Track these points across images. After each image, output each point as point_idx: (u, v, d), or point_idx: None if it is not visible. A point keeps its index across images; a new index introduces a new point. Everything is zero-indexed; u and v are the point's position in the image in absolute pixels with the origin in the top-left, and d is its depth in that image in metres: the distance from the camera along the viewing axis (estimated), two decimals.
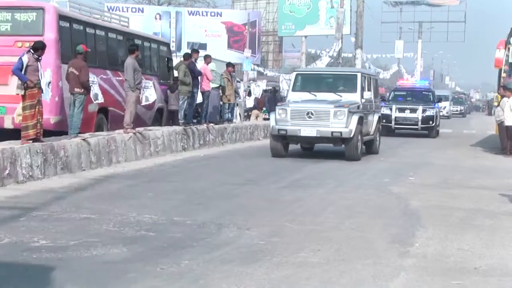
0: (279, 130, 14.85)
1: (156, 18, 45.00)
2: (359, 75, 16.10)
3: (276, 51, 52.71)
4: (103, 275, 5.44)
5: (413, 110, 25.42)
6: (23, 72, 10.88)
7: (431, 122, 25.12)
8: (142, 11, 45.30)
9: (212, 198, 9.31)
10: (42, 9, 13.29)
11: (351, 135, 14.56)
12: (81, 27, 14.48)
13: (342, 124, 14.49)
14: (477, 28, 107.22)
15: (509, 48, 18.53)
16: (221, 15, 46.64)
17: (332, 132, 14.57)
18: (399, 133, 25.64)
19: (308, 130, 14.69)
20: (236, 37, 45.92)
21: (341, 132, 14.49)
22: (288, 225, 7.61)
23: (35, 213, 7.84)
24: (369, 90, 16.49)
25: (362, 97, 15.66)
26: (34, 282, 5.25)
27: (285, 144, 15.41)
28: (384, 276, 5.65)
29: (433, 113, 25.35)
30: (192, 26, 44.71)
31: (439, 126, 26.72)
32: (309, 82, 16.59)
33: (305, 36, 46.49)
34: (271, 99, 24.80)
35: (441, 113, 44.64)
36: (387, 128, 24.47)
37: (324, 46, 50.79)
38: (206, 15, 46.37)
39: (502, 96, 17.80)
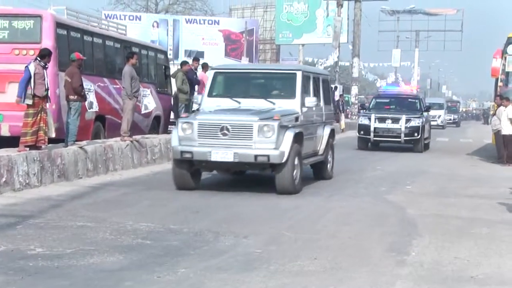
0: (182, 152, 10.57)
1: (153, 26, 45.03)
2: (299, 74, 11.63)
3: (274, 59, 52.76)
4: (100, 283, 5.43)
5: (395, 120, 21.29)
6: (32, 81, 10.89)
7: (416, 134, 21.06)
8: (140, 19, 45.33)
9: (209, 206, 9.31)
10: (40, 16, 13.30)
11: (283, 160, 10.29)
12: (79, 35, 14.49)
13: (270, 143, 10.28)
14: (474, 37, 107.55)
15: (505, 58, 18.55)
16: (218, 23, 46.69)
17: (256, 156, 10.27)
18: (383, 147, 22.12)
19: (222, 153, 10.37)
20: (233, 45, 45.97)
21: (268, 156, 10.25)
22: (285, 233, 7.60)
23: (31, 221, 7.83)
24: (315, 94, 12.23)
25: (303, 104, 11.42)
26: None
27: (194, 172, 10.96)
28: (381, 284, 5.65)
29: (418, 123, 21.18)
30: (189, 34, 44.75)
31: (429, 139, 23.25)
32: (232, 84, 12.30)
33: (303, 45, 46.60)
34: None
35: (434, 123, 40.05)
36: (366, 141, 21.68)
37: (321, 55, 50.93)
38: (204, 23, 46.42)
39: (499, 105, 17.83)
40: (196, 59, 18.26)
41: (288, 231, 7.72)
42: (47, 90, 11.10)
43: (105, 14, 41.12)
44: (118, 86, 15.12)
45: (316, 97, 12.04)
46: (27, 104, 11.02)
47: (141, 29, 41.42)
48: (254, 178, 12.65)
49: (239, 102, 11.43)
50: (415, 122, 21.18)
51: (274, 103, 11.37)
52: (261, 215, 8.80)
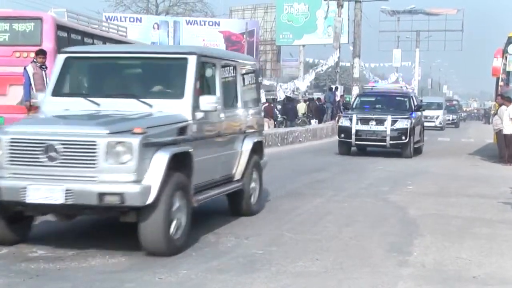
0: None
1: (154, 28, 45.10)
2: (191, 59, 7.36)
3: (274, 60, 52.82)
4: (102, 285, 5.43)
5: (380, 121, 18.86)
6: (31, 81, 10.94)
7: (403, 137, 18.64)
8: (140, 21, 45.39)
9: (210, 208, 9.31)
10: (40, 19, 13.33)
11: (148, 200, 6.19)
12: (79, 37, 14.52)
13: (126, 173, 6.16)
14: (475, 37, 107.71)
15: (506, 57, 18.55)
16: (219, 25, 46.76)
17: (100, 195, 6.08)
18: (370, 151, 19.99)
19: (45, 190, 6.15)
20: (234, 47, 45.99)
21: (122, 194, 6.07)
22: (287, 234, 7.60)
23: (33, 223, 7.82)
24: (227, 91, 8.26)
25: (196, 107, 7.20)
26: None
27: (14, 218, 6.75)
28: (383, 285, 5.65)
29: (407, 124, 18.71)
30: (190, 35, 44.80)
31: (421, 142, 21.07)
32: (91, 76, 8.22)
33: (303, 45, 46.65)
34: (287, 107, 26.75)
35: (432, 124, 39.46)
36: (347, 145, 19.34)
37: (322, 55, 50.92)
38: (204, 24, 46.50)
39: (500, 105, 17.83)
40: None
41: (289, 232, 7.72)
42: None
43: (105, 16, 41.20)
44: None
45: (223, 96, 7.95)
46: (26, 105, 11.04)
47: (141, 31, 41.51)
48: None
49: (97, 104, 7.29)
50: (403, 124, 18.78)
51: (151, 106, 7.17)
52: (262, 216, 8.79)
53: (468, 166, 17.12)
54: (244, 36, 45.62)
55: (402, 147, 18.98)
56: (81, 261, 6.12)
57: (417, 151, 19.98)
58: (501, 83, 18.92)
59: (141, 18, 46.46)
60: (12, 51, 13.12)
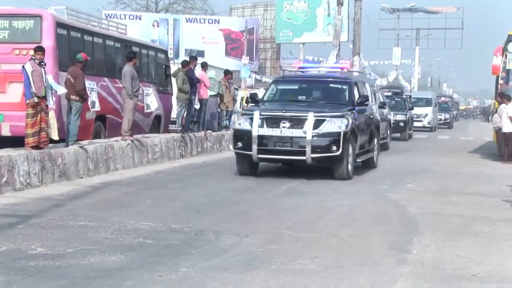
0: None
1: (153, 26, 45.07)
2: None
3: (274, 58, 52.79)
4: (101, 282, 5.43)
5: (297, 122, 12.35)
6: (30, 79, 10.92)
7: (334, 148, 12.20)
8: (140, 19, 45.36)
9: (210, 205, 9.31)
10: (40, 16, 13.31)
11: None
12: (79, 35, 14.49)
13: None
14: (475, 35, 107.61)
15: (506, 55, 18.54)
16: (218, 22, 46.72)
17: None
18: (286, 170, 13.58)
19: None
20: (234, 44, 46.00)
21: None
22: (286, 232, 7.60)
23: (32, 221, 7.83)
24: None
25: None
26: None
27: None
28: (382, 283, 5.64)
29: (340, 127, 12.31)
30: (190, 33, 44.78)
31: (371, 152, 14.60)
32: None
33: (303, 43, 46.58)
34: None
35: (419, 124, 34.57)
36: (247, 160, 12.65)
37: (322, 53, 50.90)
38: (204, 22, 46.45)
39: (500, 103, 17.83)
40: (194, 58, 18.22)
41: (289, 230, 7.72)
42: (44, 91, 11.09)
43: (105, 14, 41.16)
44: (118, 86, 15.12)
45: None
46: (29, 103, 11.03)
47: (141, 29, 41.46)
48: (253, 177, 12.65)
49: None
50: (334, 126, 12.21)
51: None
52: (262, 214, 8.80)
53: (467, 164, 17.11)
54: (244, 34, 45.59)
55: (334, 163, 12.38)
56: (80, 259, 6.11)
57: (367, 165, 14.55)
58: (501, 81, 18.90)
59: (140, 16, 46.43)
60: (11, 49, 13.09)
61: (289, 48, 55.39)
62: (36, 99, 10.95)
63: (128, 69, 13.80)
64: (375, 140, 14.98)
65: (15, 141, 11.92)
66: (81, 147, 12.07)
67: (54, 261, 6.01)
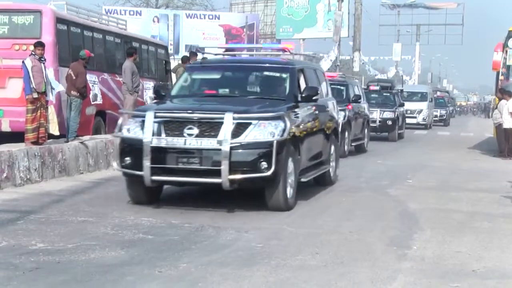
0: None
1: (154, 21, 44.98)
2: None
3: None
4: (101, 278, 5.43)
5: (209, 127, 8.39)
6: (30, 75, 10.92)
7: (263, 165, 8.24)
8: (140, 14, 45.28)
9: (209, 201, 9.30)
10: (40, 12, 13.29)
11: None
12: (79, 30, 14.48)
13: None
14: (475, 31, 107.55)
15: (506, 51, 18.54)
16: (219, 18, 46.65)
17: None
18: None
19: None
20: (234, 40, 45.88)
21: None
22: (287, 228, 7.60)
23: (32, 216, 7.83)
24: None
25: None
26: (32, 286, 5.24)
27: None
28: (382, 279, 5.64)
29: (273, 134, 8.34)
30: (190, 29, 44.70)
31: (326, 165, 10.85)
32: None
33: (303, 39, 46.52)
34: None
35: (413, 121, 31.94)
36: (137, 184, 8.72)
37: (322, 49, 50.88)
38: (204, 18, 46.37)
39: (500, 99, 17.82)
40: (194, 54, 18.19)
41: (289, 226, 7.72)
42: (44, 86, 11.09)
43: (105, 9, 41.10)
44: (118, 81, 15.11)
45: None
46: (28, 98, 11.03)
47: (141, 24, 41.39)
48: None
49: None
50: (264, 132, 8.38)
51: None
52: (262, 210, 8.79)
53: (468, 160, 17.11)
54: (244, 29, 45.52)
55: (265, 185, 8.51)
56: (80, 254, 6.11)
57: (323, 182, 11.10)
58: (501, 77, 18.90)
59: (141, 11, 46.34)
60: (11, 44, 13.07)
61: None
62: (35, 95, 10.95)
63: (128, 64, 13.80)
64: (332, 148, 11.14)
65: (15, 137, 11.92)
66: (82, 142, 12.07)
67: (54, 257, 6.01)
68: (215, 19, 46.43)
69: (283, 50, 11.88)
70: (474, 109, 75.46)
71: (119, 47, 16.30)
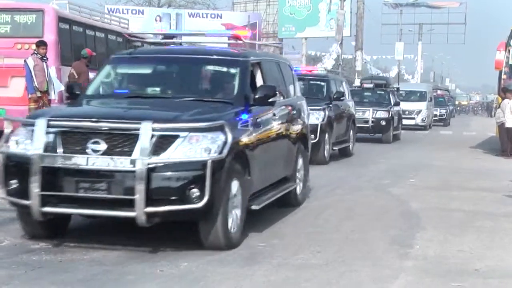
0: None
1: (156, 20, 44.98)
2: None
3: (277, 53, 52.73)
4: (103, 277, 5.43)
5: (120, 141, 6.12)
6: (33, 73, 10.94)
7: (195, 193, 6.01)
8: (142, 13, 45.28)
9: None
10: (42, 11, 13.31)
11: None
12: (81, 29, 14.50)
13: None
14: (477, 30, 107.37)
15: (509, 50, 18.52)
16: (221, 17, 46.61)
17: None
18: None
19: None
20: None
21: None
22: (288, 227, 7.59)
23: None
24: None
25: None
26: (33, 285, 5.24)
27: None
28: (384, 278, 5.64)
29: (212, 149, 6.11)
30: (192, 28, 44.70)
31: (292, 182, 8.68)
32: None
33: (306, 38, 46.47)
34: None
35: (412, 121, 30.46)
36: (27, 215, 6.44)
37: (324, 48, 50.86)
38: (206, 17, 46.35)
39: (503, 98, 17.80)
40: None
41: (291, 225, 7.71)
42: (46, 85, 11.11)
43: (107, 8, 41.10)
44: None
45: None
46: (31, 97, 11.05)
47: (143, 23, 41.41)
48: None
49: None
50: (194, 148, 6.12)
51: None
52: (263, 209, 8.77)
53: (470, 159, 17.09)
54: (247, 28, 45.51)
55: (198, 219, 6.37)
56: (82, 254, 6.11)
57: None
58: (504, 76, 18.87)
59: (143, 10, 46.33)
60: (13, 43, 13.09)
61: (291, 43, 55.37)
62: (38, 94, 10.97)
63: None
64: (300, 160, 9.07)
65: None
66: None
67: (56, 256, 6.02)
68: (217, 18, 46.40)
69: (235, 38, 9.29)
70: (475, 109, 74.54)
71: (121, 46, 16.30)
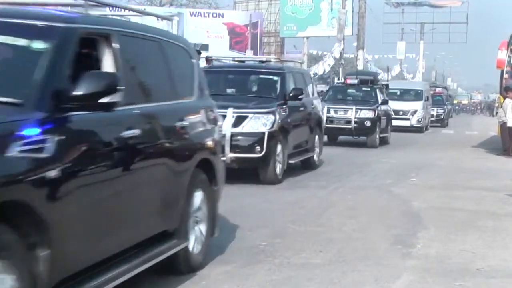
0: None
1: (158, 19, 45.05)
2: None
3: (278, 52, 52.67)
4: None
5: None
6: None
7: None
8: None
9: None
10: None
11: None
12: None
13: None
14: (479, 29, 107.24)
15: (511, 49, 18.51)
16: (223, 16, 46.61)
17: None
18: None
19: None
20: (238, 38, 45.88)
21: None
22: (290, 226, 7.60)
23: None
24: None
25: None
26: None
27: None
28: (386, 277, 5.64)
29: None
30: (194, 27, 44.65)
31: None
32: None
33: (307, 37, 46.48)
34: None
35: (406, 123, 27.71)
36: None
37: (326, 47, 50.85)
38: (208, 16, 46.35)
39: (505, 98, 17.80)
40: (198, 52, 18.15)
41: (293, 224, 7.71)
42: None
43: (109, 8, 41.15)
44: None
45: None
46: None
47: (145, 22, 41.33)
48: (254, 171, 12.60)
49: None
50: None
51: None
52: (265, 208, 8.79)
53: (472, 158, 17.08)
54: (248, 28, 45.50)
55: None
56: None
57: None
58: (505, 76, 18.86)
59: (144, 9, 46.41)
60: None
61: (293, 42, 55.35)
62: None
63: None
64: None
65: None
66: None
67: None
68: (219, 17, 46.40)
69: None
70: (473, 108, 73.29)
71: None
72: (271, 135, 10.63)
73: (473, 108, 71.96)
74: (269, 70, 12.66)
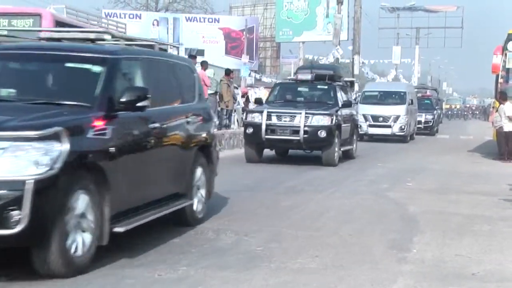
0: None
1: (153, 24, 45.05)
2: None
3: (274, 57, 52.80)
4: (102, 281, 5.42)
5: None
6: None
7: None
8: (140, 17, 45.35)
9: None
10: (39, 15, 13.31)
11: None
12: None
13: None
14: (474, 34, 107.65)
15: (506, 54, 18.54)
16: (218, 21, 46.70)
17: None
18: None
19: None
20: (233, 43, 45.99)
21: None
22: (286, 231, 7.59)
23: None
24: None
25: None
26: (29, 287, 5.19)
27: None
28: (382, 281, 5.64)
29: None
30: (189, 32, 44.75)
31: None
32: None
33: (303, 42, 46.59)
34: None
35: (387, 131, 24.18)
36: None
37: (321, 52, 50.91)
38: (204, 21, 46.44)
39: (500, 102, 17.84)
40: (193, 57, 18.21)
41: (289, 229, 7.71)
42: None
43: (105, 13, 41.13)
44: None
45: None
46: None
47: (141, 28, 41.46)
48: (254, 174, 12.62)
49: None
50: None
51: None
52: (262, 213, 8.79)
53: (468, 163, 17.10)
54: (244, 33, 45.57)
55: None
56: None
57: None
58: (500, 80, 18.90)
59: (140, 14, 46.42)
60: None
61: (289, 47, 55.42)
62: None
63: None
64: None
65: None
66: None
67: None
68: (214, 22, 46.49)
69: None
70: (465, 113, 71.22)
71: None
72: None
73: (465, 113, 70.67)
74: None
